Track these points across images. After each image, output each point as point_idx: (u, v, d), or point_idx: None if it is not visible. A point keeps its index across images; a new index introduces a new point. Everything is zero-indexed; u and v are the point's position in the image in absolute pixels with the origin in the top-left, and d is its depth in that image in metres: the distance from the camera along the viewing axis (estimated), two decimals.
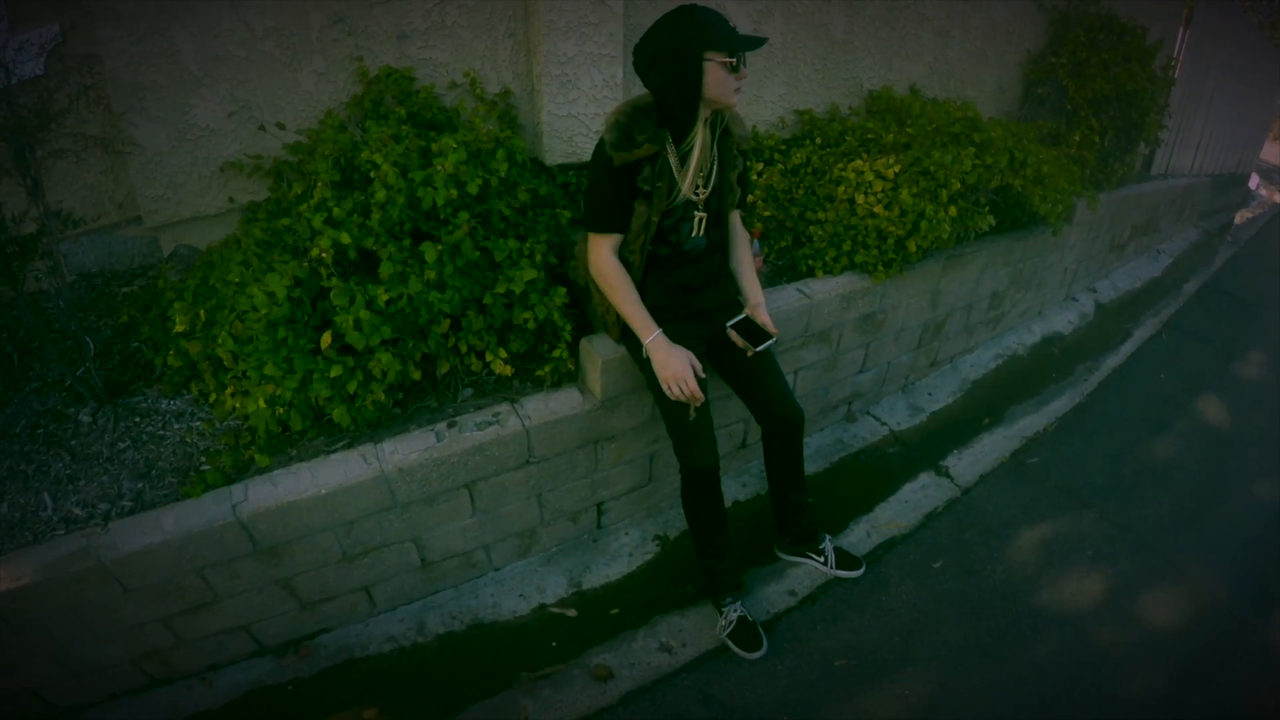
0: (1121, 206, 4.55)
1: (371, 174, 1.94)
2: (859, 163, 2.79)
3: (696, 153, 1.79)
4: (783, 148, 3.23)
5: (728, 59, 1.64)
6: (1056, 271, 4.08)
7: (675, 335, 1.95)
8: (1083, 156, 4.00)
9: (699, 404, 1.85)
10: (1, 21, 1.88)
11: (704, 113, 1.75)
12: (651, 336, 1.84)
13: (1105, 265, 4.82)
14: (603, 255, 1.85)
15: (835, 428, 3.06)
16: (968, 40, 4.08)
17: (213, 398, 1.97)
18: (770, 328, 2.00)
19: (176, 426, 2.00)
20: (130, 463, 1.88)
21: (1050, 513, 2.78)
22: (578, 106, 2.65)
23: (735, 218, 2.10)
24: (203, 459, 1.87)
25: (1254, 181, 8.13)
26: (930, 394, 3.38)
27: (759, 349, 1.95)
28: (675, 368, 1.81)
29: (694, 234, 1.92)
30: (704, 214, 1.91)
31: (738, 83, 1.69)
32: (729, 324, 2.01)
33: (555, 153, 2.68)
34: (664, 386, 1.84)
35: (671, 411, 1.95)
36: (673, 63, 1.68)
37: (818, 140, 3.18)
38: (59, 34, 1.96)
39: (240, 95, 2.21)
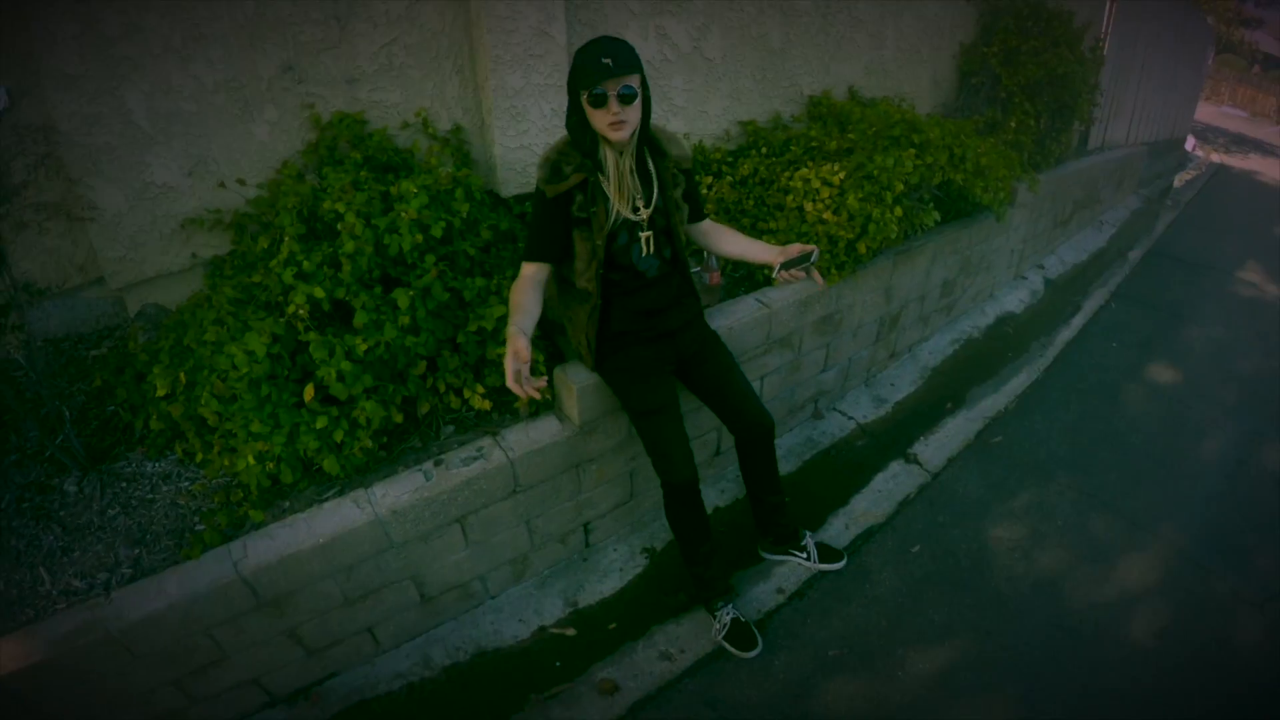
0: (1061, 184, 4.75)
1: (338, 226, 2.02)
2: (805, 170, 2.92)
3: (612, 176, 1.87)
4: (730, 159, 3.35)
5: (590, 96, 1.74)
6: (1004, 254, 4.25)
7: (643, 357, 2.05)
8: (1020, 141, 4.19)
9: (531, 397, 1.72)
10: None
11: (606, 144, 1.85)
12: (511, 332, 1.78)
13: (1051, 242, 5.02)
14: (519, 279, 1.93)
15: (804, 427, 3.18)
16: (901, 39, 4.23)
17: (199, 457, 2.02)
18: (806, 248, 2.15)
19: (165, 489, 2.04)
20: (123, 529, 1.91)
21: (1018, 488, 2.93)
22: (529, 137, 2.74)
23: (708, 223, 2.24)
24: (196, 519, 1.92)
25: (1190, 144, 8.46)
26: (893, 384, 3.51)
27: (811, 260, 2.13)
28: (507, 362, 1.70)
29: (644, 254, 1.99)
30: (649, 232, 1.98)
31: (612, 117, 1.74)
32: (778, 268, 2.15)
33: (510, 184, 2.77)
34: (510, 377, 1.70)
35: (648, 432, 2.05)
36: (570, 103, 1.83)
37: (763, 150, 3.30)
38: (6, 97, 2.00)
39: (195, 151, 2.26)
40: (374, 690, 2.10)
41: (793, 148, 3.13)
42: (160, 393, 2.01)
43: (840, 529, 2.70)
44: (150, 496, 2.02)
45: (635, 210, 1.94)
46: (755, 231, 2.89)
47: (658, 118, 3.21)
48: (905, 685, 2.16)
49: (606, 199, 1.90)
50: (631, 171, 1.90)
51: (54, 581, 1.77)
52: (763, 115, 3.64)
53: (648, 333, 2.06)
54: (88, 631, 1.60)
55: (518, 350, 1.70)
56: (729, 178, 3.19)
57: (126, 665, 1.67)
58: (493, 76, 2.56)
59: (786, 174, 3.00)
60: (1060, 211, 4.93)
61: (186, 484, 2.04)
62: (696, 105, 3.35)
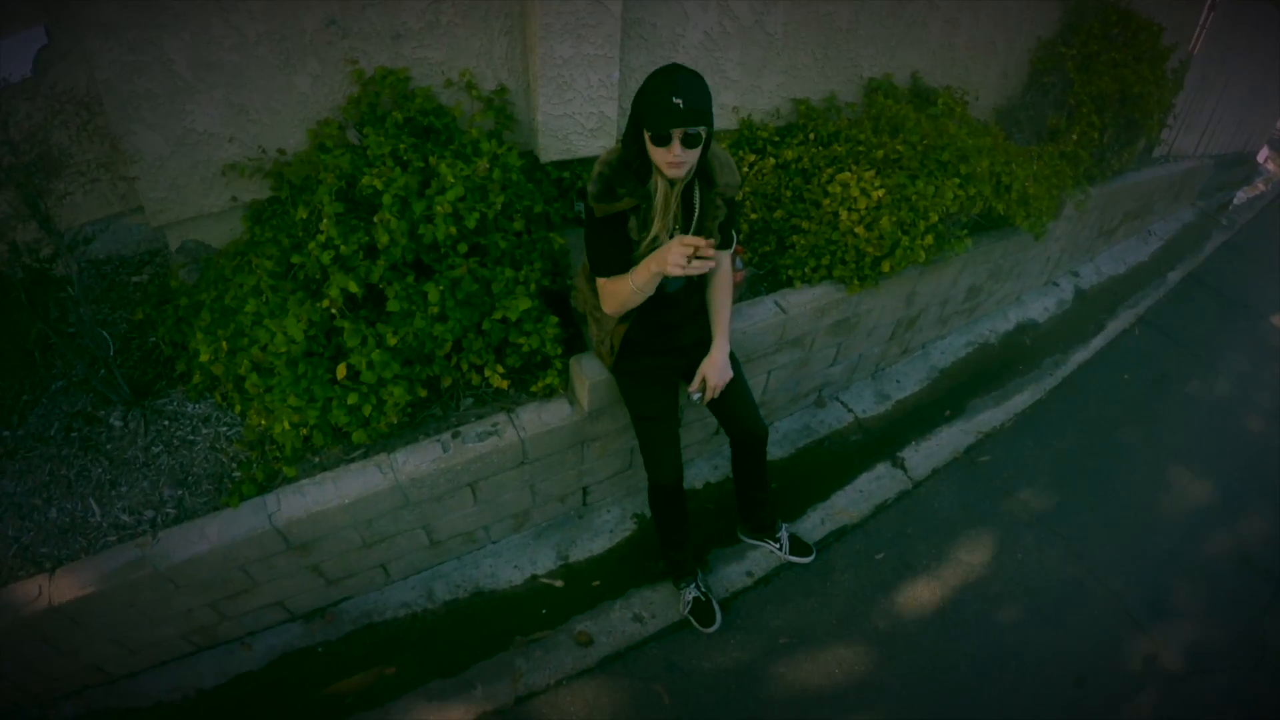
0: (1114, 197, 4.65)
1: (375, 218, 2.07)
2: (846, 174, 2.92)
3: (659, 205, 1.85)
4: (776, 139, 3.34)
5: (654, 136, 1.70)
6: (1038, 261, 4.24)
7: (653, 366, 2.19)
8: (1078, 155, 4.09)
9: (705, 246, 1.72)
10: None
11: (660, 174, 1.81)
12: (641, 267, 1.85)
13: (1092, 250, 4.96)
14: (606, 288, 1.96)
15: (804, 413, 3.34)
16: (977, 27, 4.07)
17: (237, 409, 2.21)
18: (716, 378, 2.18)
19: (205, 431, 2.23)
20: (166, 469, 2.11)
21: (990, 514, 3.09)
22: (573, 106, 2.72)
23: (724, 257, 2.19)
24: (234, 466, 2.13)
25: (1262, 155, 8.06)
26: (899, 381, 3.63)
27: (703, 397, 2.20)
28: (669, 253, 1.73)
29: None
30: None
31: (673, 157, 1.71)
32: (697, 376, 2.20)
33: (550, 150, 2.79)
34: (676, 265, 1.71)
35: (644, 434, 2.22)
36: (630, 126, 1.79)
37: (810, 135, 3.28)
38: (45, 36, 2.00)
39: (236, 100, 2.25)
40: (381, 615, 2.40)
41: (837, 146, 3.12)
42: (204, 358, 2.12)
43: (816, 523, 2.90)
44: (191, 438, 2.21)
45: (672, 236, 1.94)
46: (787, 228, 2.95)
47: (711, 89, 3.20)
48: (837, 683, 2.41)
49: (651, 224, 1.90)
50: (678, 200, 1.89)
51: (103, 514, 1.98)
52: (818, 94, 3.58)
53: (662, 344, 2.18)
54: (137, 568, 1.85)
55: (674, 247, 1.70)
56: (772, 159, 3.20)
57: (170, 594, 1.95)
58: (541, 45, 2.51)
59: (830, 170, 3.02)
60: (1107, 222, 4.85)
61: (225, 429, 2.23)
62: (750, 79, 3.29)
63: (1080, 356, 4.16)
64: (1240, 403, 4.23)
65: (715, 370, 2.17)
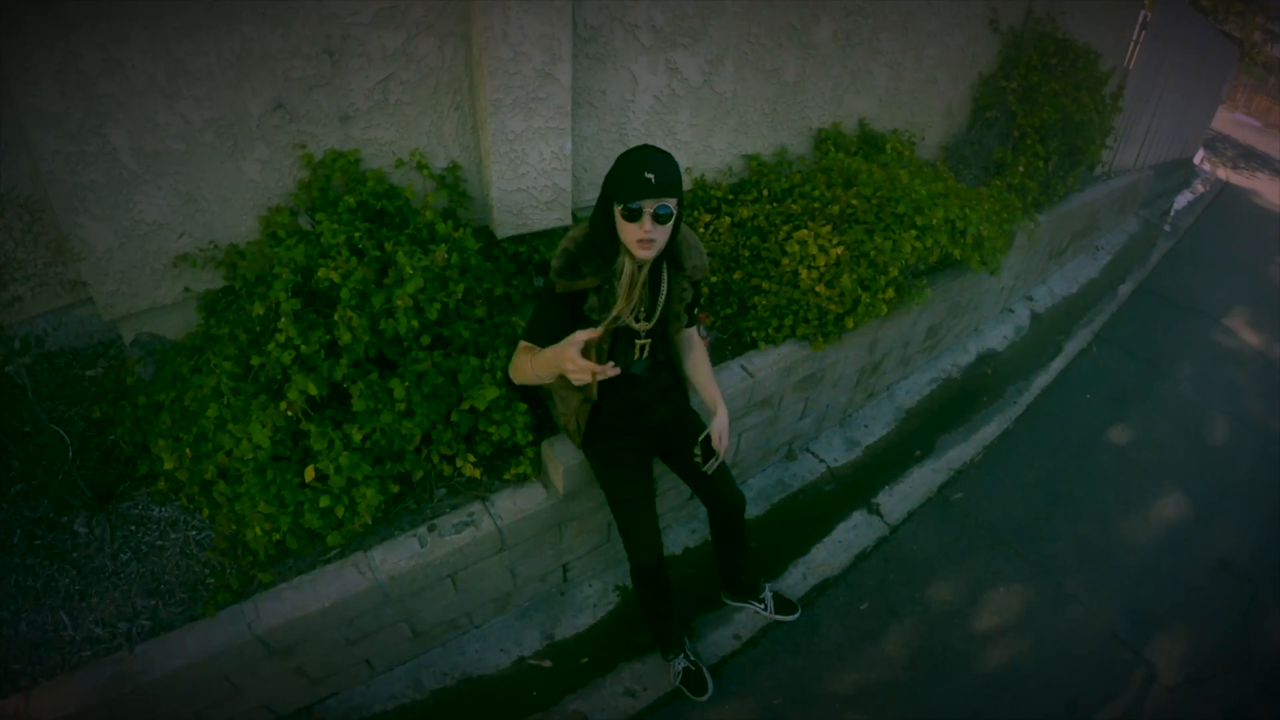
0: (1062, 220, 4.82)
1: (335, 316, 2.06)
2: (804, 232, 2.99)
3: (624, 284, 1.86)
4: (730, 197, 3.41)
5: (625, 210, 1.73)
6: (993, 293, 4.37)
7: (625, 448, 2.21)
8: (1025, 185, 4.24)
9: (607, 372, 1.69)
10: None
11: (628, 254, 1.83)
12: (551, 352, 1.77)
13: (1044, 272, 5.12)
14: (517, 356, 1.94)
15: (777, 468, 3.38)
16: (920, 69, 4.21)
17: (205, 512, 2.18)
18: (720, 444, 2.18)
19: (174, 536, 2.18)
20: (137, 577, 2.06)
21: (968, 550, 3.16)
22: (527, 180, 2.73)
23: (691, 332, 2.24)
24: (207, 571, 2.09)
25: (1198, 157, 8.40)
26: (866, 426, 3.71)
27: (708, 466, 2.21)
28: (575, 367, 1.68)
29: (639, 358, 2.09)
30: (646, 341, 2.06)
31: (643, 234, 1.73)
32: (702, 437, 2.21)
33: (506, 226, 2.78)
34: (575, 379, 1.69)
35: (621, 516, 2.24)
36: (599, 203, 1.81)
37: (764, 192, 3.36)
38: None
39: (184, 189, 2.22)
40: (370, 709, 2.36)
41: (792, 205, 3.19)
42: (168, 466, 2.09)
43: (798, 579, 2.94)
44: (160, 544, 2.16)
45: (637, 319, 1.98)
46: (747, 290, 3.01)
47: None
48: None
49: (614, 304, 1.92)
50: (645, 283, 1.90)
51: (75, 628, 1.93)
52: (769, 149, 3.66)
53: (632, 426, 2.21)
54: (117, 685, 1.81)
55: (570, 356, 1.65)
56: (728, 218, 3.26)
57: (151, 708, 1.90)
58: (491, 120, 2.51)
59: (787, 227, 3.09)
60: (1057, 244, 5.02)
61: (195, 533, 2.19)
62: (701, 140, 3.36)
63: (1042, 381, 4.29)
64: (1200, 408, 4.42)
65: (722, 436, 2.16)
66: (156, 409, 2.26)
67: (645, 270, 1.88)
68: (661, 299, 1.99)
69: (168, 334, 2.52)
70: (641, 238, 1.75)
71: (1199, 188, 7.89)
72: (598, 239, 1.85)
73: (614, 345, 2.03)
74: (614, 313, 1.91)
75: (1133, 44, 5.71)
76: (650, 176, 1.68)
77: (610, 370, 1.68)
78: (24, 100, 1.90)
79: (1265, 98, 18.26)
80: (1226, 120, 15.57)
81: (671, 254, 1.94)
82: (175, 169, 2.18)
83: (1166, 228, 6.61)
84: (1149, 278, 5.74)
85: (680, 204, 1.78)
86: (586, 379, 1.67)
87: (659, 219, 1.73)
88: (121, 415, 2.33)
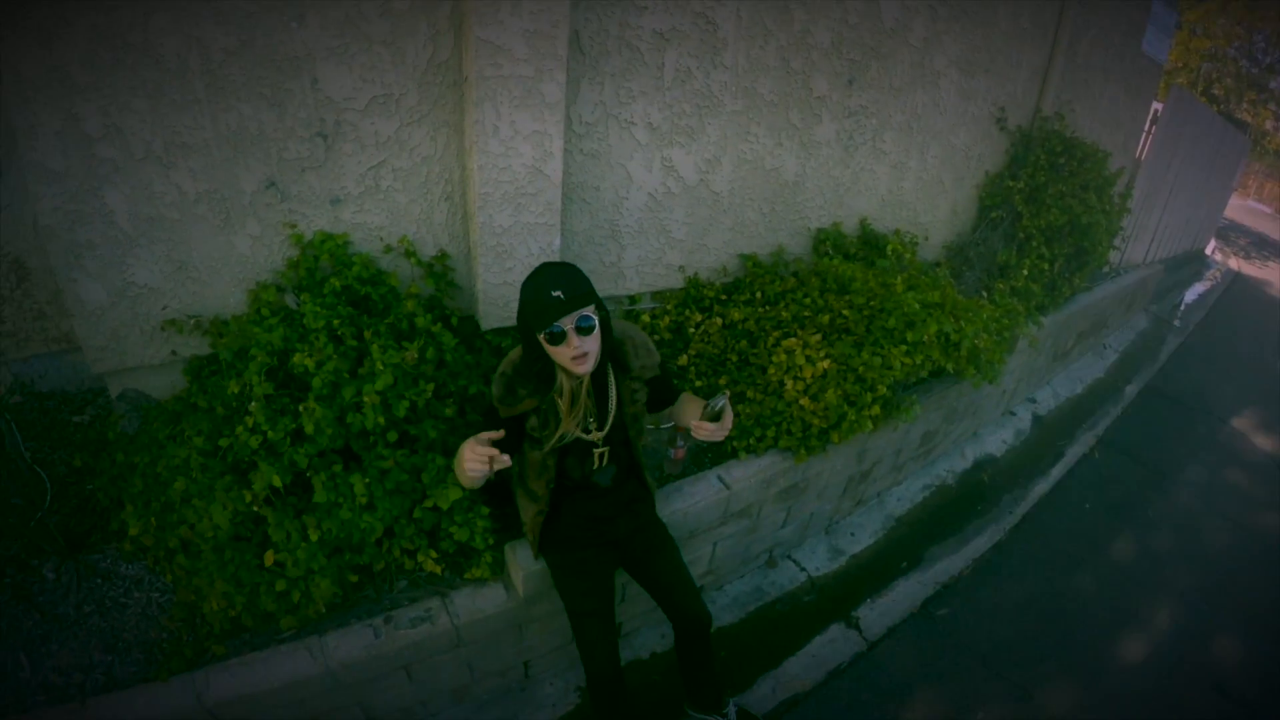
0: (1068, 322, 4.75)
1: (300, 407, 2.08)
2: (792, 341, 2.95)
3: (565, 399, 1.84)
4: (723, 296, 3.39)
5: (548, 335, 1.71)
6: (993, 397, 4.28)
7: (585, 559, 2.14)
8: (1029, 289, 4.18)
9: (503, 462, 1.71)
10: None
11: (563, 371, 1.81)
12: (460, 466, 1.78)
13: (1048, 374, 5.03)
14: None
15: (755, 574, 3.26)
16: (925, 170, 4.20)
17: (168, 577, 2.18)
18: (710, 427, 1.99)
19: (137, 595, 2.18)
20: (97, 631, 2.07)
21: (949, 672, 3.01)
22: (514, 274, 2.72)
23: (683, 397, 2.18)
24: (165, 637, 2.08)
25: (1210, 246, 8.34)
26: (853, 534, 3.59)
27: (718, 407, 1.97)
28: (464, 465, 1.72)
29: (598, 467, 2.05)
30: (604, 449, 2.03)
31: (574, 351, 1.72)
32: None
33: (491, 318, 2.78)
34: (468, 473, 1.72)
35: (579, 628, 2.15)
36: (523, 336, 1.80)
37: (758, 295, 3.33)
38: None
39: (177, 256, 2.27)
40: None
41: (783, 310, 3.16)
42: (133, 531, 2.14)
43: (767, 692, 2.80)
44: (124, 601, 2.16)
45: (587, 431, 1.95)
46: (732, 397, 2.95)
47: (656, 251, 3.25)
48: None
49: (559, 421, 1.90)
50: (588, 393, 1.88)
51: (33, 671, 1.94)
52: (765, 249, 3.64)
53: (594, 538, 2.15)
54: None
55: (468, 445, 1.69)
56: (719, 318, 3.24)
57: None
58: (480, 213, 2.52)
59: (776, 333, 3.05)
60: (1062, 345, 4.93)
61: (157, 595, 2.19)
62: (696, 238, 3.35)
63: (1040, 488, 4.15)
64: (1204, 517, 4.24)
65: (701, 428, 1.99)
66: (132, 469, 2.28)
67: (585, 383, 1.86)
68: (612, 407, 1.96)
69: (153, 393, 2.53)
70: (574, 355, 1.73)
71: (1210, 280, 7.81)
72: (533, 365, 1.84)
73: (569, 458, 2.01)
74: (560, 431, 1.90)
75: (1144, 136, 5.70)
76: (558, 294, 1.67)
77: (502, 460, 1.67)
78: (28, 155, 1.98)
79: (1277, 184, 18.28)
80: (1239, 207, 15.59)
81: (616, 358, 1.92)
82: (168, 236, 2.24)
83: (1176, 323, 6.50)
84: (1156, 376, 5.60)
85: (600, 308, 1.76)
86: (481, 469, 1.65)
87: (583, 331, 1.72)
88: (101, 467, 2.35)
